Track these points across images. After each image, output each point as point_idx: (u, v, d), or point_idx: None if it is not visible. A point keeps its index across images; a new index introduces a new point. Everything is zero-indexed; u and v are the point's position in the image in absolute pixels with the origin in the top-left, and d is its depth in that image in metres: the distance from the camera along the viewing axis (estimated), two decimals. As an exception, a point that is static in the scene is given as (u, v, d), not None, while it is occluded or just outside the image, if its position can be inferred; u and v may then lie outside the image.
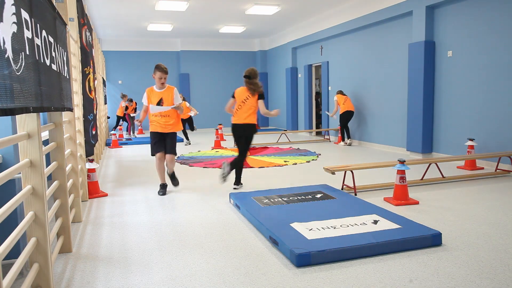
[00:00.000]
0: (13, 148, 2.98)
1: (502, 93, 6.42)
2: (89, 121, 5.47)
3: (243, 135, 5.37)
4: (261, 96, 5.30)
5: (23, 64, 1.85)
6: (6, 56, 1.63)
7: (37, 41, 2.25)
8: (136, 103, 13.60)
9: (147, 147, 10.40)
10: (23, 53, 1.87)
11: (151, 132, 5.20)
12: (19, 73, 1.77)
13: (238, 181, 5.55)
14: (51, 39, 2.76)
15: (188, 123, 11.21)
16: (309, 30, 12.20)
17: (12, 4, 1.78)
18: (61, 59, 3.19)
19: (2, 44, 1.59)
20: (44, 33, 2.48)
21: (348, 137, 10.23)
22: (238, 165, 5.43)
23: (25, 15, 1.99)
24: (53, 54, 2.79)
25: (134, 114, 13.44)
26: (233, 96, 5.43)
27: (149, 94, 5.17)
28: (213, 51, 15.86)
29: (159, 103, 5.10)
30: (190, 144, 10.92)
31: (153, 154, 5.22)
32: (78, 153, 4.43)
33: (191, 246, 3.40)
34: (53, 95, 2.63)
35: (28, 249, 2.33)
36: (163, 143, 5.18)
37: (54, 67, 2.77)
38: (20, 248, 2.72)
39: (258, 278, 2.77)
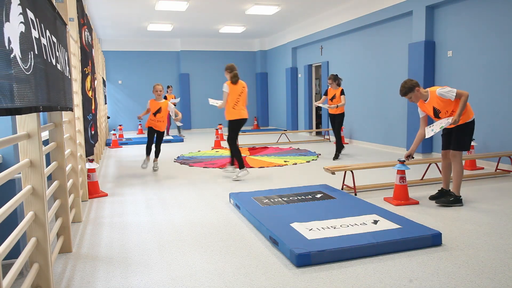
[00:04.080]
0: (13, 148, 2.98)
1: (502, 93, 6.42)
2: (88, 121, 5.48)
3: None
4: None
5: (32, 63, 1.84)
6: (12, 55, 1.62)
7: (43, 40, 2.25)
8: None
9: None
10: (31, 52, 1.86)
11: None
12: (28, 73, 1.77)
13: None
14: (54, 39, 2.76)
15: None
16: (309, 30, 12.20)
17: (19, 4, 1.77)
18: (63, 59, 3.19)
19: (7, 44, 1.59)
20: (48, 33, 2.48)
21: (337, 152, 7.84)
22: None
23: (31, 15, 1.99)
24: (57, 54, 2.79)
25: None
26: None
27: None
28: (213, 51, 15.85)
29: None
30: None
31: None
32: (78, 153, 4.43)
33: (191, 246, 3.40)
34: (59, 94, 2.63)
35: (28, 249, 2.33)
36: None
37: (59, 66, 2.77)
38: (20, 248, 2.72)
39: (258, 278, 2.77)
